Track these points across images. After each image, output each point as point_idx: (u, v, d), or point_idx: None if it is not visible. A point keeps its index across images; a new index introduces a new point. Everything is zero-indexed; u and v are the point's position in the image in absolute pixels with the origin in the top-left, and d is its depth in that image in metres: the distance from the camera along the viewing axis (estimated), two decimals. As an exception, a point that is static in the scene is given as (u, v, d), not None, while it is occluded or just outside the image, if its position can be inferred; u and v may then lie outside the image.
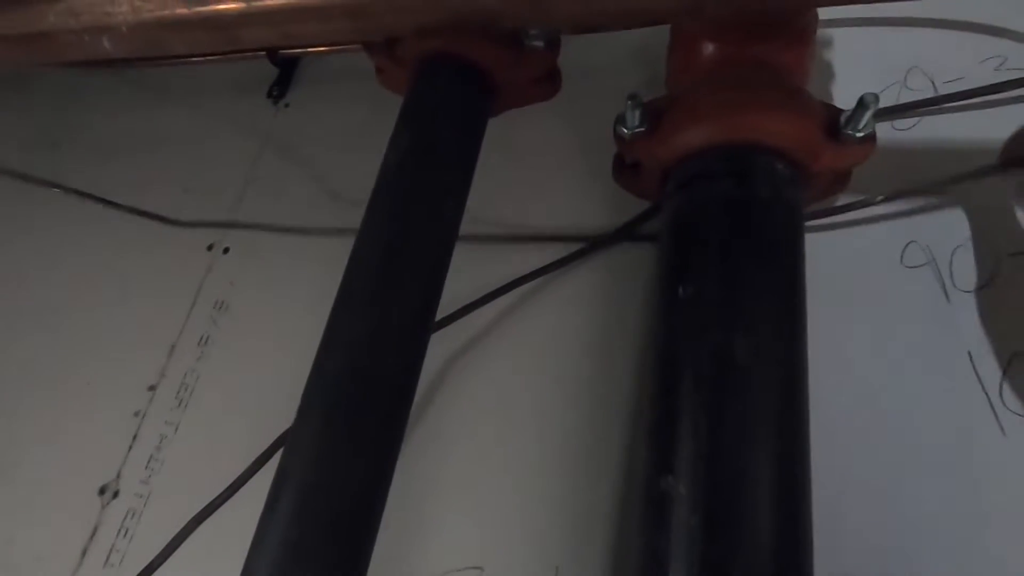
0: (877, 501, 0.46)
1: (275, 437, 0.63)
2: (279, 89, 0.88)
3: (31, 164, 0.92)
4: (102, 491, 0.67)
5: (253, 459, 0.62)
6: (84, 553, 0.64)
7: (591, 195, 0.62)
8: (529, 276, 0.56)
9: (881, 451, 0.48)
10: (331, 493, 0.37)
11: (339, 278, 0.75)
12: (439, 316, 0.47)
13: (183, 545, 0.59)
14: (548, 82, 0.53)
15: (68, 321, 0.78)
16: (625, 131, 0.49)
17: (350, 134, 0.83)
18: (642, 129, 0.49)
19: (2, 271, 0.83)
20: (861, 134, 0.45)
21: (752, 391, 0.39)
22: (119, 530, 0.64)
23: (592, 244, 0.57)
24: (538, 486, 0.52)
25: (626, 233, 0.57)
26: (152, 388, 0.71)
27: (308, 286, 0.74)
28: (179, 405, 0.69)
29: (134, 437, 0.69)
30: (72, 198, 0.83)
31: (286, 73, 0.89)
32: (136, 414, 0.70)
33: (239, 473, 0.62)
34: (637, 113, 0.49)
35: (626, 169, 0.55)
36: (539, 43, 0.49)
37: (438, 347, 0.59)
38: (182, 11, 0.48)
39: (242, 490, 0.57)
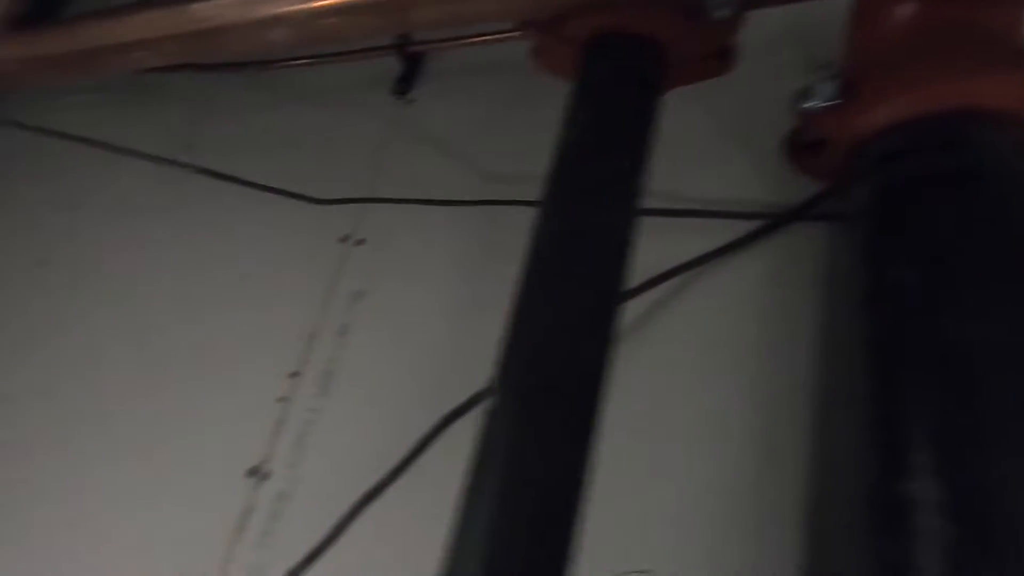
0: None
1: (420, 424, 0.63)
2: (405, 85, 0.89)
3: (161, 170, 0.98)
4: (252, 472, 0.69)
5: (400, 446, 0.63)
6: (237, 532, 0.66)
7: (745, 176, 0.59)
8: (701, 259, 0.53)
9: None
10: (534, 480, 0.35)
11: (474, 267, 0.76)
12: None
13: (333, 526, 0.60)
14: (724, 57, 0.50)
15: (207, 310, 0.82)
16: (814, 104, 0.46)
17: (478, 127, 0.83)
18: (835, 102, 0.45)
19: (150, 262, 0.88)
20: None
21: (1003, 386, 0.34)
22: (271, 512, 0.66)
23: (773, 223, 0.53)
24: (712, 484, 0.49)
25: (805, 212, 0.53)
26: (294, 375, 0.73)
27: (442, 276, 0.74)
28: (322, 392, 0.71)
29: (279, 422, 0.71)
30: (210, 188, 0.87)
31: (411, 69, 0.90)
32: (280, 400, 0.72)
33: (386, 458, 0.62)
34: (831, 84, 0.45)
35: (802, 147, 0.51)
36: (725, 13, 0.46)
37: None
38: (357, -4, 0.48)
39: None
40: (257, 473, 0.68)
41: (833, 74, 0.44)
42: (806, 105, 0.46)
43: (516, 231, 0.75)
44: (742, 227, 0.54)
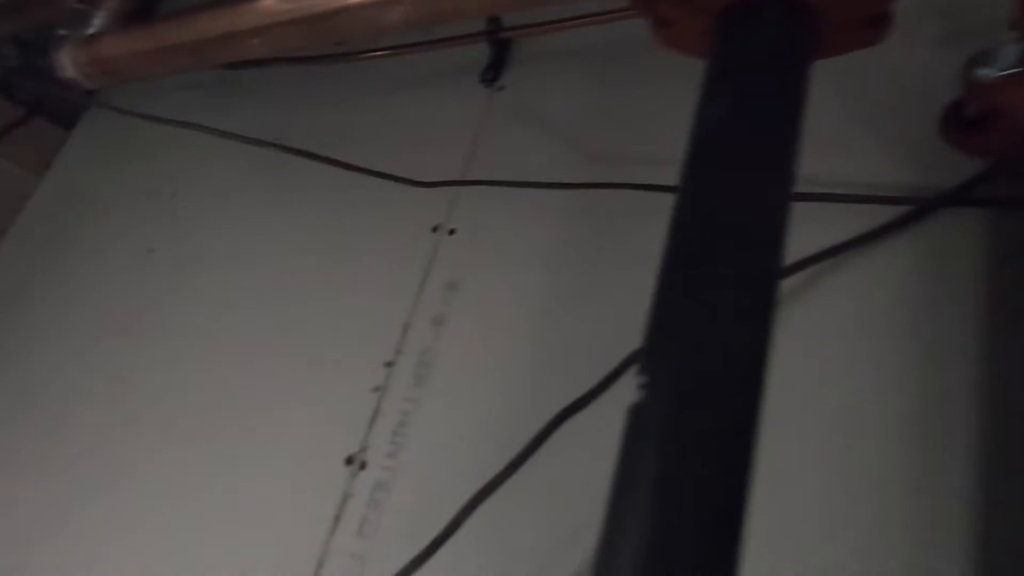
0: None
1: (519, 415, 0.61)
2: (493, 72, 0.87)
3: (258, 158, 1.00)
4: (349, 461, 0.69)
5: (499, 438, 0.61)
6: (336, 520, 0.66)
7: (890, 157, 0.54)
8: (841, 247, 0.49)
9: None
10: (696, 483, 0.32)
11: (568, 256, 0.74)
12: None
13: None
14: (877, 25, 0.46)
15: (304, 297, 0.82)
16: (990, 73, 0.41)
17: (571, 114, 0.81)
18: (1016, 70, 0.41)
19: (248, 249, 0.90)
20: None
21: None
22: (369, 501, 0.65)
23: (921, 208, 0.48)
24: (856, 485, 0.45)
25: (961, 197, 0.48)
26: (389, 365, 0.72)
27: (538, 265, 0.72)
28: (418, 383, 0.70)
29: (375, 412, 0.70)
30: (304, 174, 0.88)
31: (500, 56, 0.88)
32: (375, 389, 0.71)
33: (485, 451, 0.61)
34: (1013, 49, 0.40)
35: (963, 122, 0.46)
36: (889, -28, 0.42)
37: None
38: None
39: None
40: (354, 462, 0.68)
41: (1018, 39, 0.40)
42: (979, 73, 0.41)
43: (612, 217, 0.73)
44: (887, 213, 0.50)
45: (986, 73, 0.41)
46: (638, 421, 0.35)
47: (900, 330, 0.48)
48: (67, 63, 0.74)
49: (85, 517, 0.79)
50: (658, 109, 0.77)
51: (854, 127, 0.55)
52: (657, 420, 0.34)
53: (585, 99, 0.81)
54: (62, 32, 0.77)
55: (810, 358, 0.49)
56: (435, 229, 0.79)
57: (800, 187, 0.44)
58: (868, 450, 0.46)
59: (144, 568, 0.72)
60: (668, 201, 0.65)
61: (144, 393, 0.84)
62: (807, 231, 0.52)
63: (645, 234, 0.68)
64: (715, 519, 0.32)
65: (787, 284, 0.50)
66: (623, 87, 0.81)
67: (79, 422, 0.87)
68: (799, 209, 0.43)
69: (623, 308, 0.66)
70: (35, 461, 0.87)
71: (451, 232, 0.78)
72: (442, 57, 0.92)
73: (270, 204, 0.93)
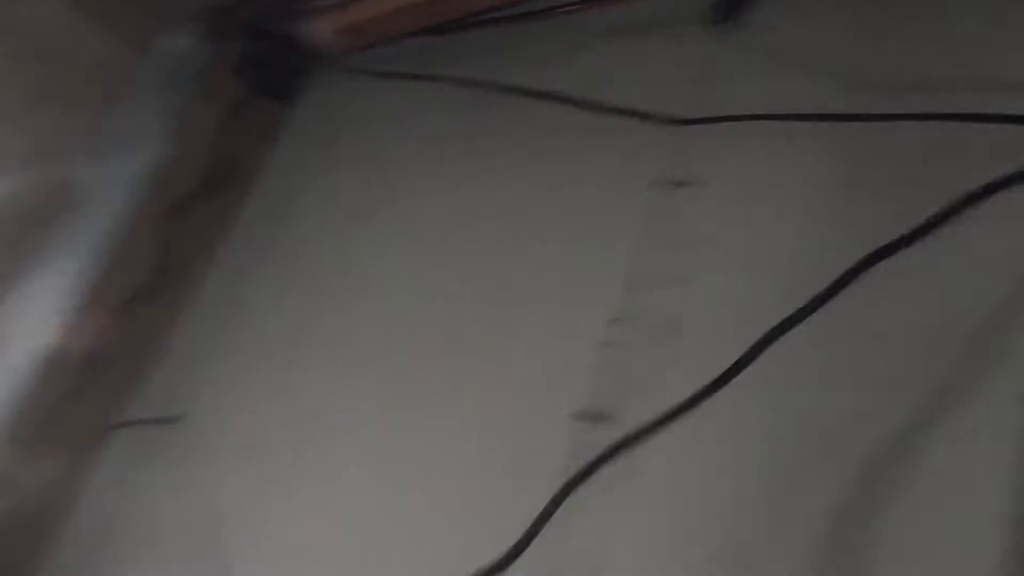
0: None
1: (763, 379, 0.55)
2: (728, 10, 0.79)
3: (461, 123, 1.01)
4: (579, 417, 0.67)
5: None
6: (565, 474, 0.64)
7: None
8: None
9: None
10: None
11: (828, 210, 0.65)
12: None
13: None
14: None
15: (520, 255, 0.82)
16: None
17: (823, 56, 0.71)
18: None
19: (466, 206, 0.91)
20: None
21: None
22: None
23: None
24: None
25: None
26: (615, 321, 0.69)
27: (783, 214, 0.65)
28: (651, 340, 0.66)
29: (602, 368, 0.68)
30: (524, 128, 0.87)
31: (733, -8, 0.80)
32: (603, 344, 0.69)
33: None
34: None
35: None
36: None
37: None
38: None
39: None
40: (585, 417, 0.66)
41: None
42: None
43: (887, 158, 0.63)
44: None
45: None
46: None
47: None
48: (322, 30, 0.80)
49: (320, 459, 0.82)
50: (943, 39, 0.65)
51: None
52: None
53: (842, 33, 0.71)
54: (316, 3, 0.83)
55: None
56: (656, 183, 0.74)
57: None
58: None
59: (379, 520, 0.74)
60: (988, 132, 0.54)
61: (370, 344, 0.89)
62: None
63: (943, 171, 0.58)
64: None
65: None
66: (890, 15, 0.69)
67: (311, 368, 0.92)
68: None
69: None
70: (270, 398, 0.93)
71: (679, 185, 0.73)
72: (656, 4, 0.86)
73: (481, 165, 0.93)
